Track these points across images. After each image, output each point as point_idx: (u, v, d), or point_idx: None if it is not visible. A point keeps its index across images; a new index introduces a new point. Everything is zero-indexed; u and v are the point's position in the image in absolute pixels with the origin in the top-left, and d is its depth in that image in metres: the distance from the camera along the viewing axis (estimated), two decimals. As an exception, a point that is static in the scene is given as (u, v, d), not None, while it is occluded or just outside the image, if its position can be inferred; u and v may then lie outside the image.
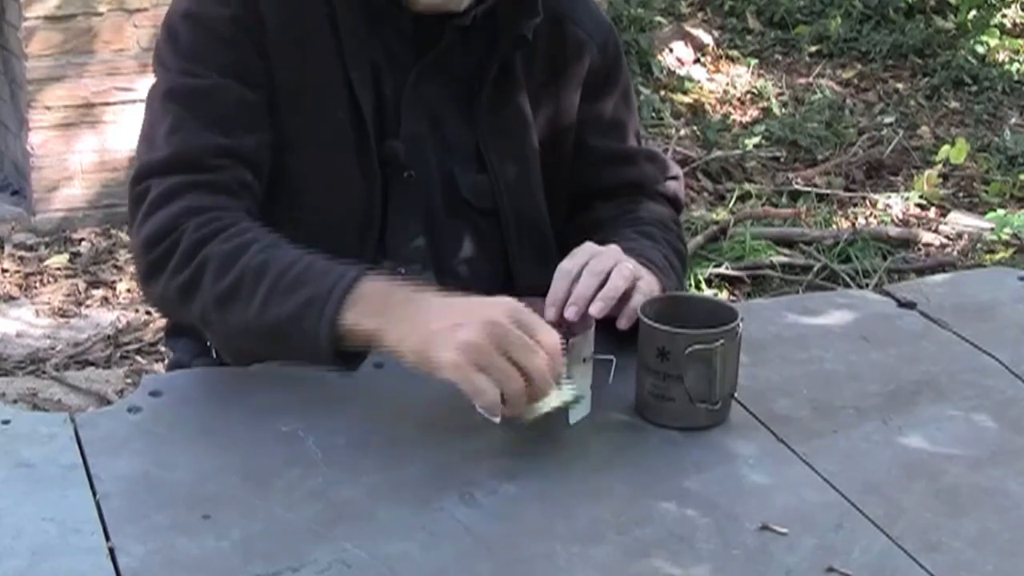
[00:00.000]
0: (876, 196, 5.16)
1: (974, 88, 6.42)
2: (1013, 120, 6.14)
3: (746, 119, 6.04)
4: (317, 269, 1.56)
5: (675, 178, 1.99)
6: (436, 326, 1.48)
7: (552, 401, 1.51)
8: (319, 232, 1.74)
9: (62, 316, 4.17)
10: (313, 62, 1.74)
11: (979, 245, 4.74)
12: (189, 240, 1.62)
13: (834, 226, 4.88)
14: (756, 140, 5.67)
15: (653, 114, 5.85)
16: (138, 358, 3.89)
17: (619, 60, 1.94)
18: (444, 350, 1.46)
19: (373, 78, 1.77)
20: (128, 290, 4.29)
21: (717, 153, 5.49)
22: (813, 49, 6.76)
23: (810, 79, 6.46)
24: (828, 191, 5.21)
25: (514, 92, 1.83)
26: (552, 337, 1.49)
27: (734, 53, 6.65)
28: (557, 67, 1.87)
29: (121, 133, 4.58)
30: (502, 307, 1.49)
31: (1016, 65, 6.65)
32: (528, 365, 1.46)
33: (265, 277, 1.57)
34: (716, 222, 4.78)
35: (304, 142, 1.76)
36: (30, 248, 4.62)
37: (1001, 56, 6.76)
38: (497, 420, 1.60)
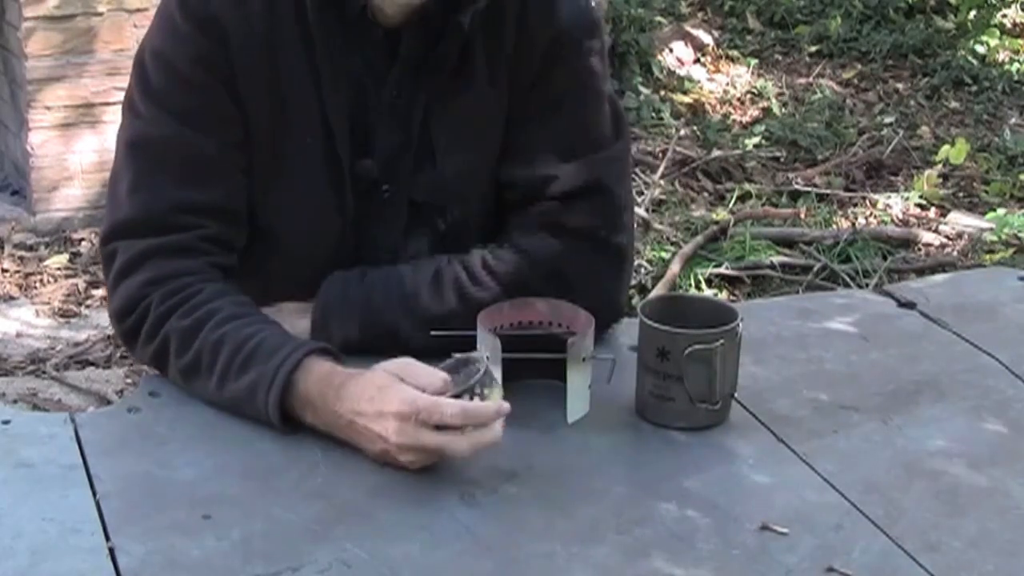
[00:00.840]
0: (876, 196, 5.16)
1: (974, 88, 6.42)
2: (1013, 120, 6.14)
3: (746, 119, 6.04)
4: (265, 349, 1.60)
5: (581, 207, 1.78)
6: (350, 435, 1.55)
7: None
8: (293, 258, 1.76)
9: (62, 316, 4.17)
10: (287, 89, 1.71)
11: (979, 245, 4.74)
12: (154, 315, 1.67)
13: (834, 226, 4.88)
14: (756, 140, 5.67)
15: (653, 114, 5.85)
16: (138, 358, 3.89)
17: (573, 51, 1.78)
18: (369, 451, 1.54)
19: (356, 97, 1.74)
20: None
21: (717, 153, 5.49)
22: (813, 49, 6.76)
23: (810, 79, 6.46)
24: (828, 191, 5.21)
25: (470, 80, 1.76)
26: (449, 409, 1.49)
27: (734, 53, 6.65)
28: (521, 50, 1.77)
29: (121, 133, 4.58)
30: (394, 419, 1.50)
31: (1016, 65, 6.65)
32: (440, 453, 1.51)
33: (219, 357, 1.62)
34: (716, 222, 4.78)
35: (275, 171, 1.74)
36: (30, 248, 4.62)
37: (1001, 56, 6.76)
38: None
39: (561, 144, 1.78)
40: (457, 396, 1.50)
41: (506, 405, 1.51)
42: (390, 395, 1.51)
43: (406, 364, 1.55)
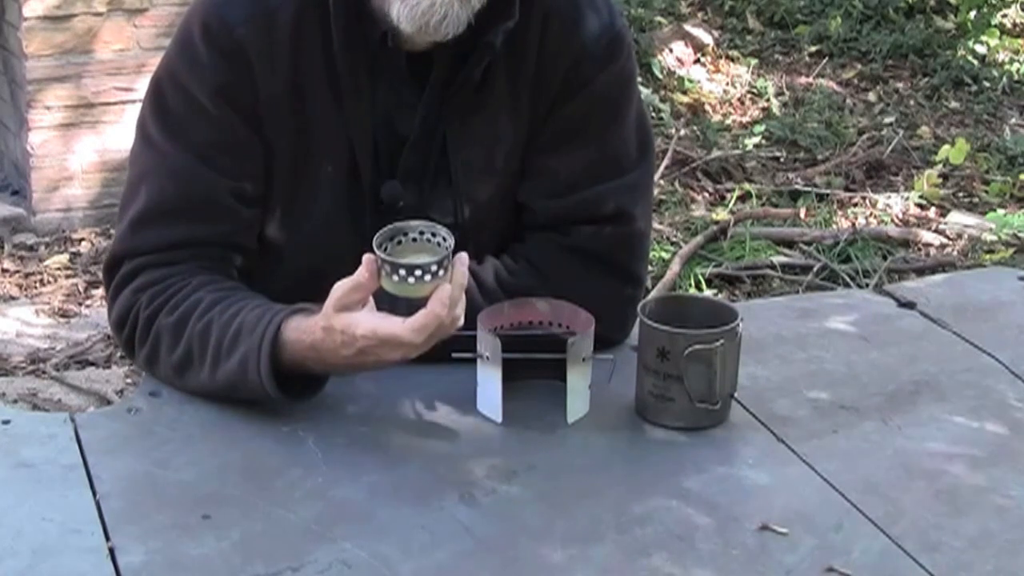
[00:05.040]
0: (876, 196, 5.16)
1: (974, 88, 6.42)
2: (1013, 120, 6.14)
3: (746, 119, 6.04)
4: (248, 324, 1.61)
5: (596, 224, 1.77)
6: (352, 362, 1.57)
7: None
8: (307, 273, 1.74)
9: (62, 316, 4.17)
10: (311, 115, 1.70)
11: (979, 245, 4.74)
12: (143, 316, 1.68)
13: (834, 226, 4.88)
14: (756, 140, 5.67)
15: (653, 114, 5.84)
16: (138, 358, 3.88)
17: (595, 74, 1.75)
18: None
19: (381, 122, 1.72)
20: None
21: (717, 153, 5.49)
22: (813, 49, 6.76)
23: (810, 79, 6.46)
24: (828, 191, 5.21)
25: (491, 101, 1.74)
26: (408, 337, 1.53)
27: (734, 53, 6.65)
28: (542, 72, 1.75)
29: (121, 133, 4.58)
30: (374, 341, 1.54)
31: (1016, 65, 6.65)
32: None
33: (209, 343, 1.63)
34: (716, 222, 4.78)
35: (294, 195, 1.73)
36: (30, 248, 4.62)
37: (1001, 56, 6.76)
38: (498, 420, 1.61)
39: (582, 169, 1.77)
40: (433, 270, 1.50)
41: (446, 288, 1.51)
42: (356, 332, 1.53)
43: (339, 292, 1.55)
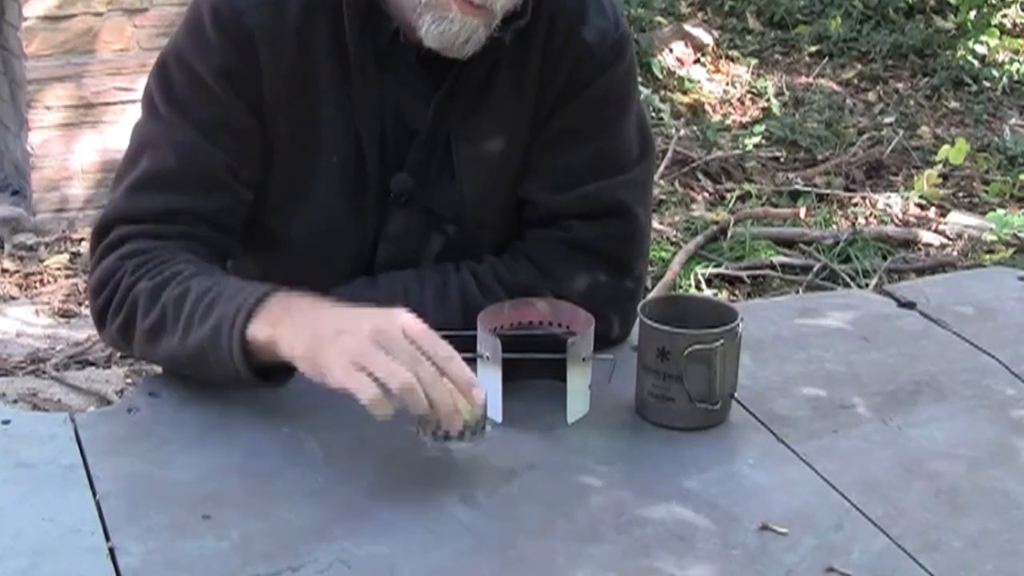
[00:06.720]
0: (876, 196, 5.16)
1: (974, 88, 6.43)
2: (1013, 120, 6.15)
3: (746, 119, 6.05)
4: (229, 291, 1.60)
5: (592, 220, 1.77)
6: (323, 332, 1.50)
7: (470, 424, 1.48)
8: (309, 264, 1.75)
9: (62, 316, 4.18)
10: (317, 107, 1.70)
11: (979, 245, 4.75)
12: (125, 283, 1.67)
13: (834, 226, 4.89)
14: (756, 140, 5.67)
15: (653, 114, 5.85)
16: (138, 358, 3.88)
17: (598, 73, 1.76)
18: (328, 354, 1.48)
19: (390, 116, 1.73)
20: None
21: (717, 153, 5.50)
22: (813, 49, 6.77)
23: (810, 79, 6.46)
24: (828, 191, 5.21)
25: (494, 98, 1.75)
26: (444, 351, 1.46)
27: (734, 53, 6.65)
28: (546, 72, 1.76)
29: (121, 133, 4.58)
30: (394, 318, 1.48)
31: (1016, 65, 6.66)
32: (413, 372, 1.44)
33: (184, 306, 1.61)
34: (716, 222, 4.78)
35: (297, 185, 1.74)
36: (30, 248, 4.62)
37: (1001, 56, 6.77)
38: (498, 420, 1.61)
39: (584, 166, 1.77)
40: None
41: (482, 394, 1.48)
42: (391, 312, 1.49)
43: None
